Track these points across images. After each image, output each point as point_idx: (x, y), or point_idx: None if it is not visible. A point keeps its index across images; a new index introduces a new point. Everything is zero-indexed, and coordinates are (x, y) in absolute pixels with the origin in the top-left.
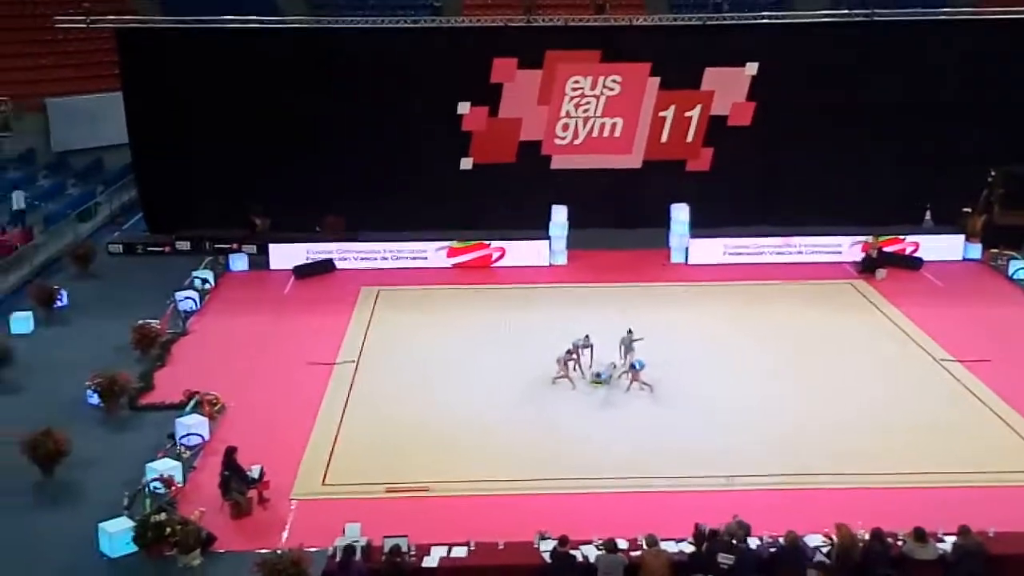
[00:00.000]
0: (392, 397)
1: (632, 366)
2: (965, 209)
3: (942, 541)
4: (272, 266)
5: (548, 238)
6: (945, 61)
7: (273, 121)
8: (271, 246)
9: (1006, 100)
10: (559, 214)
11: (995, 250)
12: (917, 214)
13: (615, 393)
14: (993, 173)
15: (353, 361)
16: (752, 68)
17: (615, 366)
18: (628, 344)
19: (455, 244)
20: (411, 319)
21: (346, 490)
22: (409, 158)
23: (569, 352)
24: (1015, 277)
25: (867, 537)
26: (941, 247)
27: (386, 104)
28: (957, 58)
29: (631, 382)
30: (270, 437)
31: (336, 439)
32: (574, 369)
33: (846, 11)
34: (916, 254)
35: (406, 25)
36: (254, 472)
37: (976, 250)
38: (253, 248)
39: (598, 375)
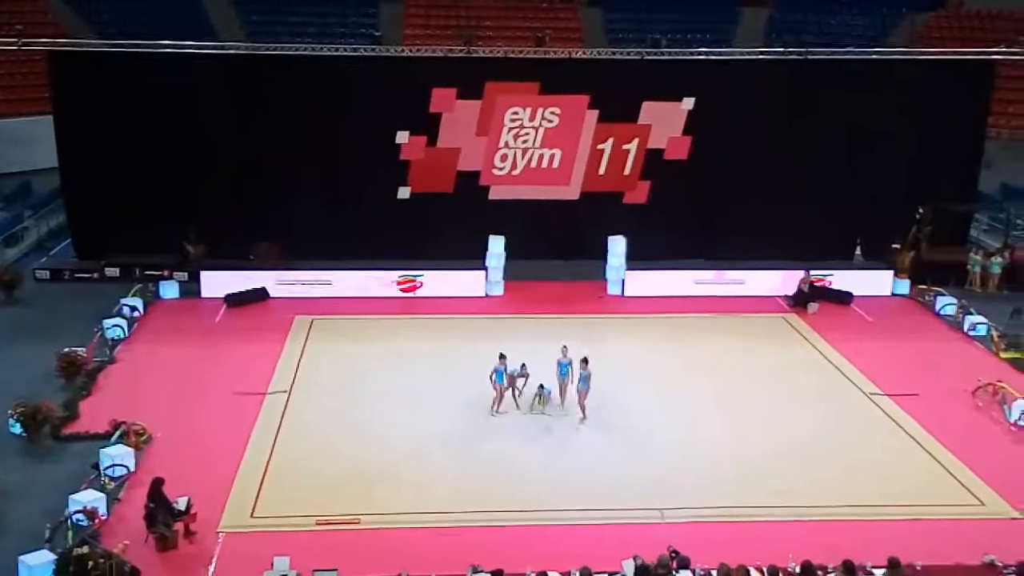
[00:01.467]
0: (324, 427)
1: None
2: (894, 245)
3: (871, 574)
4: (204, 294)
5: (485, 268)
6: (877, 99)
7: (208, 147)
8: (203, 273)
9: (936, 138)
10: (496, 244)
11: (923, 286)
12: (848, 249)
13: (550, 425)
14: (921, 210)
15: (285, 391)
16: (689, 103)
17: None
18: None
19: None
20: (346, 348)
21: (275, 522)
22: (346, 186)
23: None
24: (942, 312)
25: (798, 570)
26: (871, 282)
27: (324, 132)
28: (889, 96)
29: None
30: (198, 468)
31: (266, 470)
32: (514, 396)
33: (781, 48)
34: (845, 289)
35: (346, 53)
36: (180, 504)
37: (904, 285)
38: (184, 275)
39: (541, 387)
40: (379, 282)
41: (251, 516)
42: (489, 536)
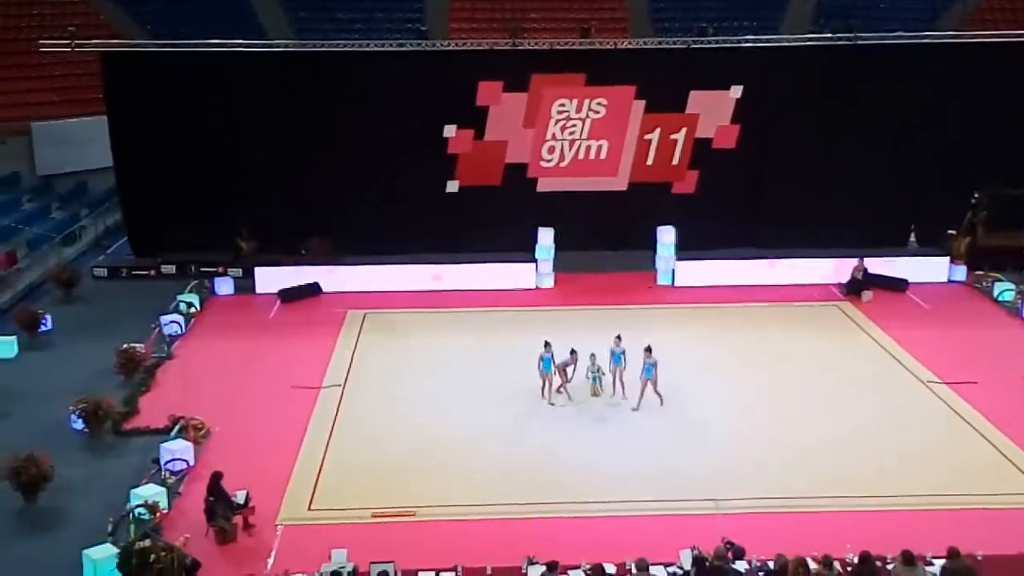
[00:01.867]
0: (378, 421)
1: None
2: (950, 231)
3: (931, 564)
4: (258, 290)
5: (535, 260)
6: (928, 83)
7: (258, 144)
8: (257, 269)
9: (989, 121)
10: (545, 237)
11: (980, 272)
12: (903, 236)
13: (603, 415)
14: (977, 195)
15: (339, 385)
16: (737, 91)
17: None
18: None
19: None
20: (398, 342)
21: (332, 515)
22: (395, 181)
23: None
24: (1000, 299)
25: (856, 561)
26: (927, 269)
27: (372, 127)
28: (940, 80)
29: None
30: (256, 462)
31: (322, 464)
32: (565, 388)
33: (830, 34)
34: (900, 276)
35: (392, 48)
36: (239, 498)
37: (961, 272)
38: (239, 272)
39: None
40: (429, 275)
41: (308, 509)
42: (543, 527)
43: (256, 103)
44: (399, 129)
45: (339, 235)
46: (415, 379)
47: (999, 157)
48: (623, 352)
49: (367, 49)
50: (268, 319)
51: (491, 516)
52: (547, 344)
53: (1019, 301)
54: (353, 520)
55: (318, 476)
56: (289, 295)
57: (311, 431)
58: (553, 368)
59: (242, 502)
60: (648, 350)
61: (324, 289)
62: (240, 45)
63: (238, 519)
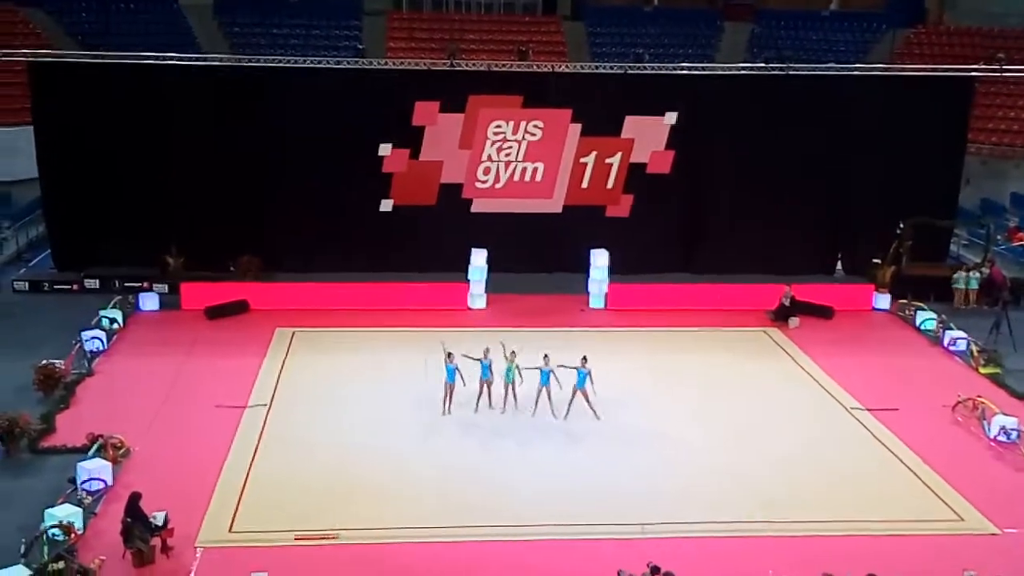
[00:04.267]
0: (305, 440)
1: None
2: (875, 260)
3: None
4: (184, 306)
5: (468, 281)
6: (858, 115)
7: (189, 159)
8: (183, 285)
9: (916, 154)
10: (479, 257)
11: (903, 301)
12: (830, 264)
13: (534, 437)
14: (902, 225)
15: (265, 404)
16: (671, 117)
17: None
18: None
19: None
20: (326, 361)
21: (254, 537)
22: (329, 198)
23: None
24: (922, 327)
25: None
26: (853, 297)
27: (306, 144)
28: (869, 112)
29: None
30: (176, 482)
31: (245, 484)
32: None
33: (763, 64)
34: (826, 303)
35: (329, 65)
36: (158, 519)
37: (886, 300)
38: (164, 287)
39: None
40: (360, 294)
41: (229, 531)
42: (469, 551)
43: (187, 117)
44: (333, 146)
45: (270, 252)
46: (343, 399)
47: (924, 188)
48: (551, 371)
49: (303, 65)
50: (193, 336)
51: (416, 539)
52: (450, 354)
53: (941, 330)
54: (275, 542)
55: (240, 497)
56: (216, 312)
57: (234, 451)
58: (456, 378)
59: (161, 523)
60: (584, 360)
61: (252, 306)
62: (172, 58)
63: (156, 541)
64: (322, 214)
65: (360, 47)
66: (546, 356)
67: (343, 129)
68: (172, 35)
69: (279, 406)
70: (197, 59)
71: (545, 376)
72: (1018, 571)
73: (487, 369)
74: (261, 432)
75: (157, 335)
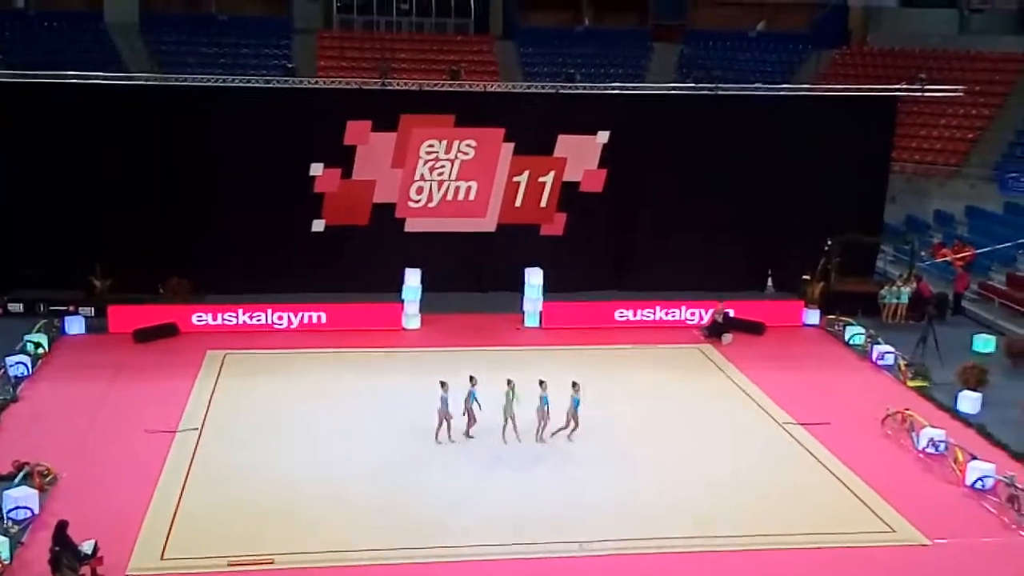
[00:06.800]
0: (238, 465)
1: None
2: (804, 276)
3: None
4: (111, 330)
5: (402, 301)
6: (786, 134)
7: (116, 179)
8: (110, 308)
9: (843, 172)
10: (413, 277)
11: (832, 316)
12: (760, 281)
13: (471, 458)
14: (830, 242)
15: (196, 428)
16: (603, 136)
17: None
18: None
19: None
20: (259, 384)
21: (187, 564)
22: (259, 219)
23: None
24: (851, 342)
25: None
26: (782, 313)
27: (236, 163)
28: (797, 132)
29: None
30: (105, 510)
31: (176, 511)
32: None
33: (692, 84)
34: (757, 320)
35: (258, 85)
36: (87, 547)
37: (815, 316)
38: (91, 311)
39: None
40: (292, 316)
41: (161, 558)
42: (406, 573)
43: (113, 137)
44: (264, 166)
45: (199, 273)
46: (275, 422)
47: (851, 206)
48: (447, 398)
49: (232, 84)
50: (121, 360)
51: (351, 563)
52: (443, 384)
53: (869, 345)
54: (209, 569)
55: (172, 523)
56: (144, 335)
57: (165, 476)
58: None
59: (90, 552)
60: (574, 385)
61: (182, 329)
62: (98, 78)
63: (85, 570)
64: (253, 234)
65: (290, 66)
66: (542, 382)
67: (274, 149)
68: (97, 54)
69: (211, 430)
70: (123, 78)
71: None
72: None
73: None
74: (193, 457)
75: (84, 359)
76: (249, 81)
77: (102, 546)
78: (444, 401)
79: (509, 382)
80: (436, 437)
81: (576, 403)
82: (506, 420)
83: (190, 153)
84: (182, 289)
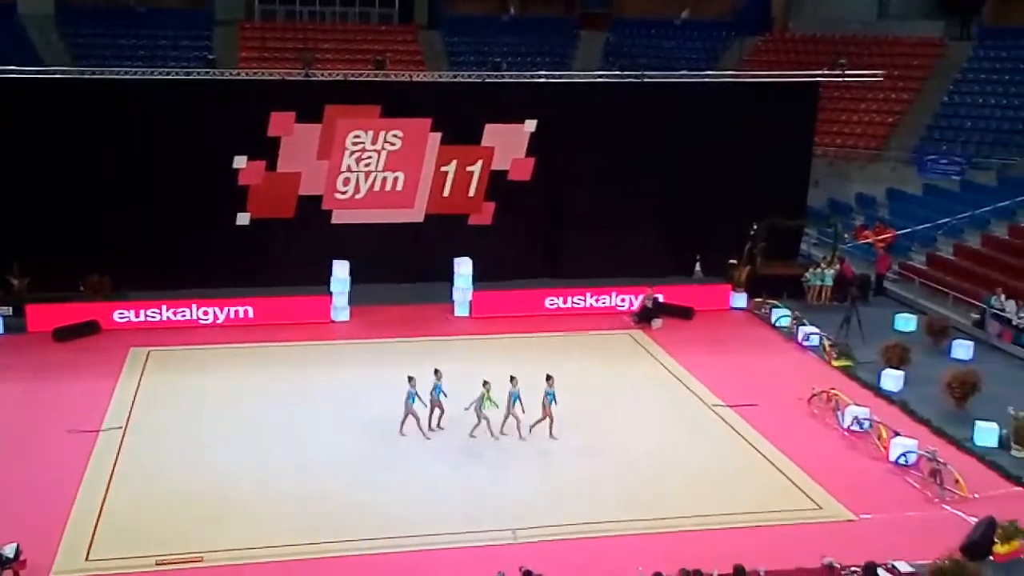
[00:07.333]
0: (164, 463)
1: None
2: (731, 261)
3: None
4: (30, 328)
5: (330, 294)
6: (712, 120)
7: (32, 174)
8: (28, 307)
9: (768, 157)
10: (341, 269)
11: (759, 299)
12: (689, 266)
13: (403, 450)
14: (756, 226)
15: (120, 427)
16: (531, 125)
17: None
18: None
19: None
20: (185, 380)
21: (113, 564)
22: (182, 213)
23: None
24: (777, 324)
25: None
26: (711, 297)
27: (157, 157)
28: (722, 117)
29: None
30: (27, 512)
31: (101, 511)
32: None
33: (618, 72)
34: (686, 304)
35: (179, 77)
36: (8, 551)
37: (742, 299)
38: (8, 310)
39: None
40: (218, 310)
41: (86, 559)
42: (337, 566)
43: (27, 131)
44: (186, 160)
45: (121, 270)
46: (201, 418)
47: (775, 190)
48: (415, 392)
49: (151, 77)
50: (41, 359)
51: (281, 558)
52: (411, 378)
53: (795, 326)
54: (136, 569)
55: (96, 524)
56: (65, 334)
57: (89, 476)
58: (428, 401)
59: (12, 555)
60: (548, 378)
61: (104, 327)
62: (11, 71)
63: (8, 573)
64: (175, 229)
65: (211, 57)
66: (513, 378)
67: (196, 142)
68: (11, 46)
69: (135, 428)
70: (37, 71)
71: (412, 397)
72: (873, 554)
73: (414, 397)
74: (117, 456)
75: (2, 359)
76: (169, 73)
77: (25, 549)
78: (411, 395)
79: (485, 383)
80: (400, 430)
81: (551, 396)
82: (479, 419)
83: (109, 147)
84: (103, 286)
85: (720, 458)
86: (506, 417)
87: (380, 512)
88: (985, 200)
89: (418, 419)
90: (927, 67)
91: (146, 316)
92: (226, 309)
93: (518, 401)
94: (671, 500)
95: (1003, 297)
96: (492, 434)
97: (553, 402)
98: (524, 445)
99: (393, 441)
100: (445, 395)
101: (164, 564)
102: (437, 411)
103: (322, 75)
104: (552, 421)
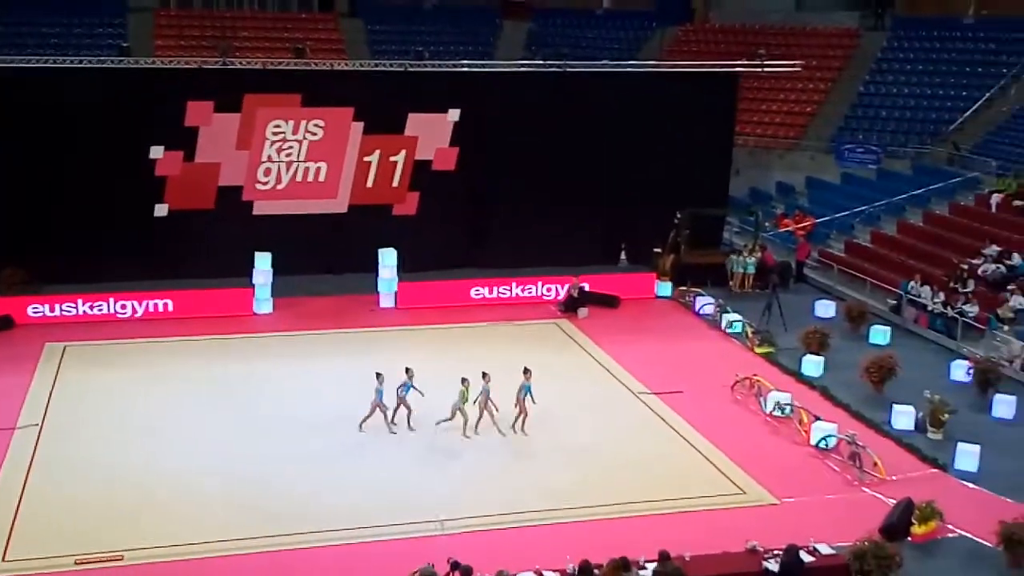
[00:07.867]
0: (83, 460)
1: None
2: (656, 249)
3: (644, 569)
4: None
5: (252, 286)
6: (634, 109)
7: None
8: None
9: (689, 146)
10: (263, 261)
11: (683, 287)
12: (614, 255)
13: (329, 444)
14: (679, 215)
15: (36, 424)
16: (454, 114)
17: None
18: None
19: None
20: (103, 376)
21: (31, 565)
22: (98, 205)
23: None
24: (701, 312)
25: (576, 571)
26: (636, 285)
27: (70, 148)
28: (644, 107)
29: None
30: None
31: (18, 509)
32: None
33: (541, 61)
34: (612, 293)
35: (92, 65)
36: None
37: (667, 288)
38: None
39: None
40: (136, 304)
41: (3, 559)
42: (264, 562)
43: None
44: (101, 150)
45: (34, 263)
46: (120, 415)
47: (698, 179)
48: (382, 390)
49: (63, 65)
50: None
51: (203, 555)
52: (379, 375)
53: (718, 314)
54: (55, 568)
55: (13, 523)
56: None
57: (4, 475)
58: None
59: None
60: (526, 372)
61: (17, 322)
62: None
63: None
64: (91, 221)
65: (125, 45)
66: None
67: (110, 132)
68: None
69: (52, 426)
70: None
71: (380, 394)
72: (795, 537)
73: (381, 394)
74: (33, 454)
75: None
76: (82, 62)
77: None
78: (379, 393)
79: (464, 380)
80: (360, 427)
81: (527, 390)
82: (453, 414)
83: (21, 138)
84: (16, 280)
85: (645, 445)
86: (480, 416)
87: (302, 508)
88: (900, 188)
89: (385, 414)
90: (844, 57)
91: (62, 310)
92: (144, 302)
93: (485, 394)
94: (598, 488)
95: (919, 283)
96: (465, 433)
97: (528, 396)
98: (452, 435)
99: (318, 436)
100: (423, 394)
101: (84, 563)
102: (403, 409)
103: (240, 63)
104: (526, 416)
